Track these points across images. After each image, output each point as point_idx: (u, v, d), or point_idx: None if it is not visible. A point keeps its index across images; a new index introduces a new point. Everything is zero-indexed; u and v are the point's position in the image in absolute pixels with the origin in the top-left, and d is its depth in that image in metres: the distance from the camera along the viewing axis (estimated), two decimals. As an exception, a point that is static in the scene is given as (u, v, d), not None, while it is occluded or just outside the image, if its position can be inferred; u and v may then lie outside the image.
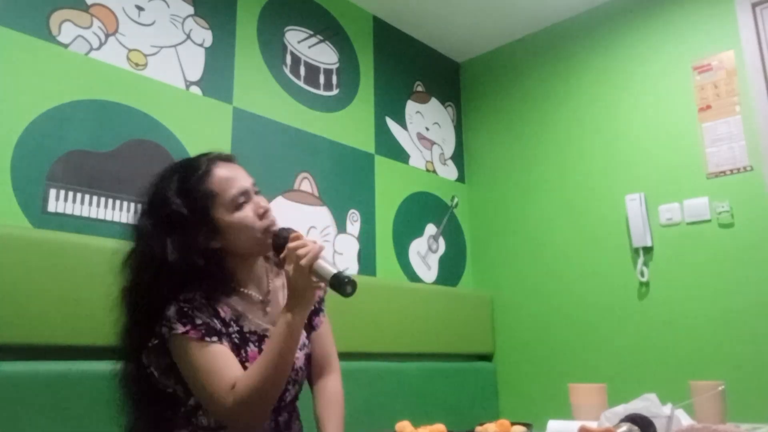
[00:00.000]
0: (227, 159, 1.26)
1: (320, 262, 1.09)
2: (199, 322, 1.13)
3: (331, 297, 1.50)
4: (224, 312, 1.20)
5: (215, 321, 1.16)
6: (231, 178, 1.21)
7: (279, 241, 1.17)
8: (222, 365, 1.10)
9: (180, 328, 1.11)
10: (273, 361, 1.08)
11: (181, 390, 1.18)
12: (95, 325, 1.46)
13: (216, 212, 1.18)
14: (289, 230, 1.17)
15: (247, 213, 1.20)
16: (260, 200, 1.24)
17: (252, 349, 1.19)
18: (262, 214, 1.21)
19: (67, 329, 1.43)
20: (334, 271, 1.09)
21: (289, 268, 1.10)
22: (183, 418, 1.20)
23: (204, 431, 1.18)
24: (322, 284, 1.11)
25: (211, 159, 1.24)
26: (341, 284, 1.07)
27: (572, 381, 1.63)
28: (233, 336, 1.18)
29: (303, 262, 1.08)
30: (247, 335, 1.20)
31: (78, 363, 1.43)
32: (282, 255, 1.14)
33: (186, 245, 1.15)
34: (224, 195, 1.19)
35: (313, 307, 1.36)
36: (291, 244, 1.12)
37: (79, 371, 1.41)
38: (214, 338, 1.13)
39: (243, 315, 1.22)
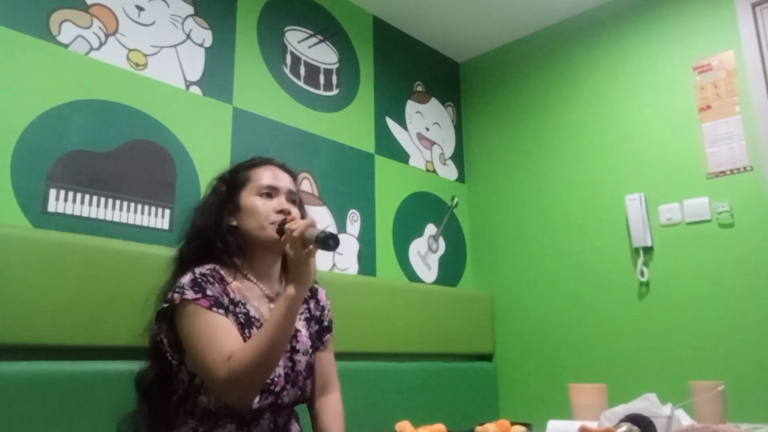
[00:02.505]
0: (280, 166, 1.41)
1: (309, 230, 1.16)
2: (209, 293, 1.18)
3: (334, 299, 1.51)
4: (233, 293, 1.25)
5: (224, 297, 1.21)
6: (270, 175, 1.35)
7: (281, 229, 1.23)
8: (223, 337, 1.14)
9: (191, 295, 1.17)
10: (270, 335, 1.12)
11: (185, 371, 1.21)
12: (95, 325, 1.47)
13: (243, 193, 1.33)
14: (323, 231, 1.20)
15: (264, 202, 1.30)
16: (284, 202, 1.32)
17: (255, 332, 1.22)
18: (279, 212, 1.29)
19: (67, 329, 1.42)
20: (317, 233, 1.15)
21: (287, 245, 1.18)
22: (185, 398, 1.22)
23: (205, 413, 1.20)
24: (311, 246, 1.16)
25: (268, 159, 1.41)
26: (324, 242, 1.13)
27: (572, 381, 1.63)
28: (239, 316, 1.22)
29: (295, 234, 1.16)
30: (252, 319, 1.24)
31: (78, 363, 1.42)
32: (283, 238, 1.20)
33: (212, 213, 1.31)
34: (255, 182, 1.34)
35: (326, 324, 1.45)
36: (286, 225, 1.20)
37: (79, 371, 1.41)
38: (221, 311, 1.18)
39: (250, 301, 1.27)
